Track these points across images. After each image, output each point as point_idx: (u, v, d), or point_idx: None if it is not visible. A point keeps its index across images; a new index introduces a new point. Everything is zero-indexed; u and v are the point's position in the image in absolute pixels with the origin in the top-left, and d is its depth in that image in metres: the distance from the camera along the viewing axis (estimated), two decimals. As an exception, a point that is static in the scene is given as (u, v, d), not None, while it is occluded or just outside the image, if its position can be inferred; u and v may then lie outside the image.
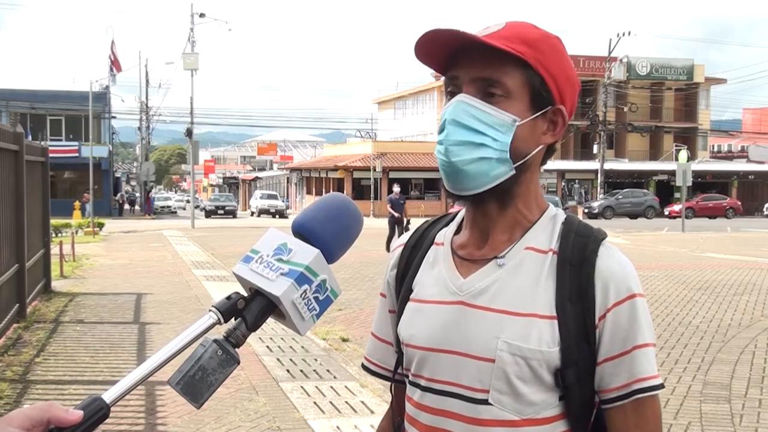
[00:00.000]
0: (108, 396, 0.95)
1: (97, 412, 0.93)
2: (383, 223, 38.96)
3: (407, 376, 1.36)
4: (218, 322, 1.02)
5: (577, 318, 1.22)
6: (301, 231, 1.10)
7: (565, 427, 1.25)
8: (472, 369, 1.24)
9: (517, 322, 1.22)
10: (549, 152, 1.33)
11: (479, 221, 1.32)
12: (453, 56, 1.28)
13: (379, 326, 1.49)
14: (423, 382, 1.30)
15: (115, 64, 38.80)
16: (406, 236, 1.47)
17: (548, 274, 1.25)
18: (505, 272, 1.27)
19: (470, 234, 1.34)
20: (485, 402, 1.23)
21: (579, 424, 1.25)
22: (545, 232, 1.29)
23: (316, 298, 1.06)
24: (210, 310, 1.03)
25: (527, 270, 1.26)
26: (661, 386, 1.24)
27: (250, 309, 1.04)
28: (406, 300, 1.37)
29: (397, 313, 1.39)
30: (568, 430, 1.25)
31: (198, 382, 0.99)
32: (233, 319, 1.04)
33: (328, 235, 1.10)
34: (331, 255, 1.09)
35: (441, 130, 1.27)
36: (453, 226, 1.39)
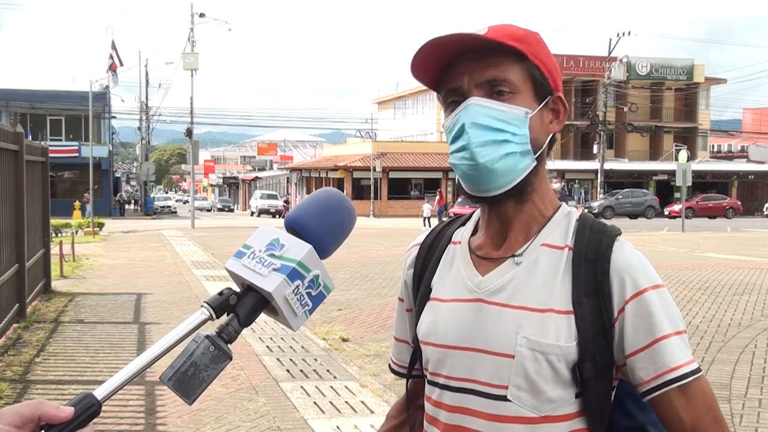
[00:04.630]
0: (99, 392, 0.94)
1: (89, 408, 0.93)
2: (383, 223, 38.79)
3: (426, 376, 1.37)
4: (210, 318, 1.02)
5: (594, 312, 1.23)
6: (293, 226, 1.09)
7: (583, 425, 1.25)
8: (490, 365, 1.25)
9: (535, 317, 1.24)
10: (550, 143, 1.36)
11: (495, 223, 1.33)
12: (446, 69, 1.30)
13: (399, 329, 1.52)
14: (441, 380, 1.32)
15: (113, 66, 38.77)
16: (422, 236, 1.48)
17: (565, 270, 1.27)
18: (522, 269, 1.28)
19: (487, 235, 1.35)
20: (504, 398, 1.24)
21: (597, 422, 1.26)
22: (560, 228, 1.31)
23: (308, 294, 1.05)
24: (202, 306, 1.02)
25: (544, 266, 1.28)
26: (693, 372, 1.22)
27: (243, 305, 1.04)
28: (425, 299, 1.38)
29: (415, 311, 1.41)
30: (586, 428, 1.25)
31: (190, 379, 0.98)
32: (225, 315, 1.04)
33: (321, 231, 1.09)
34: (324, 250, 1.09)
35: (458, 136, 1.27)
36: (470, 226, 1.41)
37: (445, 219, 1.43)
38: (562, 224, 1.32)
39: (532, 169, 1.28)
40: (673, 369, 1.22)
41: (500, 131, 1.25)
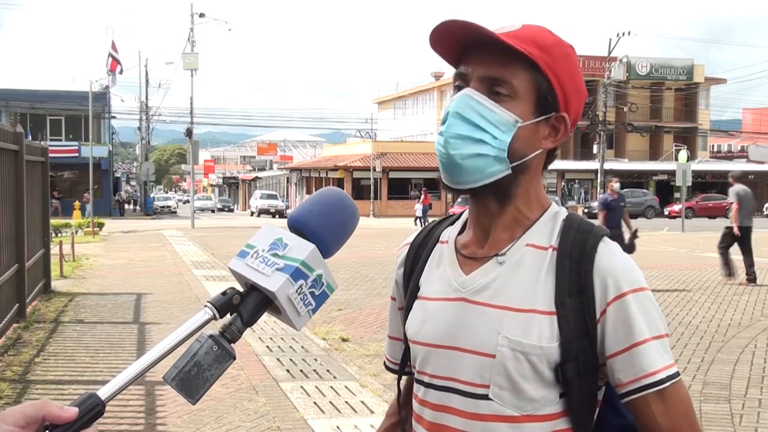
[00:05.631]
0: (103, 392, 0.95)
1: (93, 408, 0.93)
2: (383, 223, 38.80)
3: (414, 374, 1.39)
4: (214, 318, 1.02)
5: (577, 313, 1.23)
6: (296, 226, 1.10)
7: (567, 425, 1.25)
8: (472, 364, 1.25)
9: (517, 318, 1.23)
10: (550, 157, 1.35)
11: (481, 219, 1.33)
12: (465, 51, 1.30)
13: (393, 327, 1.53)
14: (426, 379, 1.32)
15: (113, 65, 38.80)
16: (412, 236, 1.49)
17: (548, 270, 1.26)
18: (505, 269, 1.28)
19: (473, 233, 1.35)
20: (485, 397, 1.24)
21: (581, 423, 1.25)
22: (546, 229, 1.30)
23: (312, 293, 1.06)
24: (205, 306, 1.02)
25: (527, 266, 1.27)
26: (670, 378, 1.22)
27: (246, 304, 1.04)
28: (414, 297, 1.39)
29: (405, 310, 1.42)
30: (570, 429, 1.25)
31: (193, 378, 0.98)
32: (229, 314, 1.04)
33: (324, 230, 1.09)
34: (327, 250, 1.09)
35: (444, 121, 1.29)
36: (458, 225, 1.41)
37: (430, 219, 1.45)
38: (549, 225, 1.31)
39: (507, 176, 1.27)
40: (651, 374, 1.22)
41: (481, 130, 1.25)
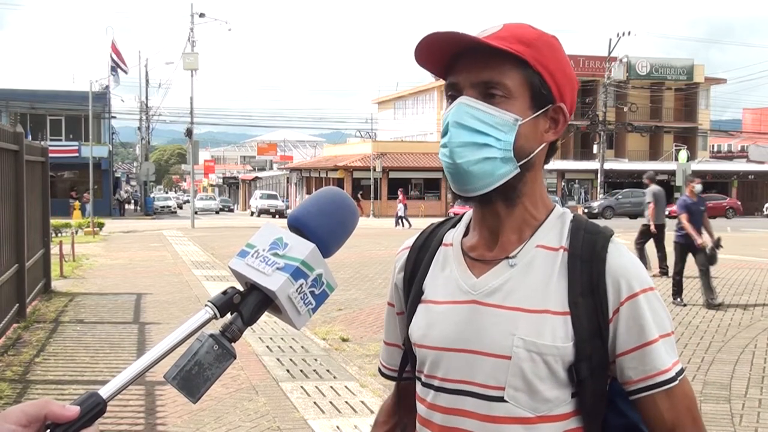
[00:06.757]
0: (105, 391, 0.95)
1: (94, 407, 0.93)
2: (383, 223, 38.84)
3: (419, 378, 1.37)
4: (214, 317, 1.02)
5: (590, 313, 1.24)
6: (296, 225, 1.10)
7: (578, 424, 1.26)
8: (486, 367, 1.25)
9: (530, 318, 1.24)
10: (551, 151, 1.35)
11: (488, 222, 1.33)
12: (452, 61, 1.30)
13: (389, 334, 1.52)
14: (436, 383, 1.32)
15: (121, 60, 38.80)
16: (411, 239, 1.48)
17: (560, 270, 1.27)
18: (517, 271, 1.28)
19: (479, 235, 1.35)
20: (500, 399, 1.24)
21: (592, 422, 1.27)
22: (554, 230, 1.31)
23: (312, 293, 1.06)
24: (206, 305, 1.03)
25: (539, 268, 1.28)
26: (675, 377, 1.25)
27: (246, 303, 1.04)
28: (417, 301, 1.38)
29: (407, 314, 1.40)
30: (581, 428, 1.26)
31: (194, 377, 0.99)
32: (229, 313, 1.04)
33: (324, 230, 1.10)
34: (326, 249, 1.09)
35: (444, 133, 1.28)
36: (461, 227, 1.41)
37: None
38: (557, 226, 1.32)
39: (515, 175, 1.28)
40: (661, 372, 1.24)
41: (483, 134, 1.25)
